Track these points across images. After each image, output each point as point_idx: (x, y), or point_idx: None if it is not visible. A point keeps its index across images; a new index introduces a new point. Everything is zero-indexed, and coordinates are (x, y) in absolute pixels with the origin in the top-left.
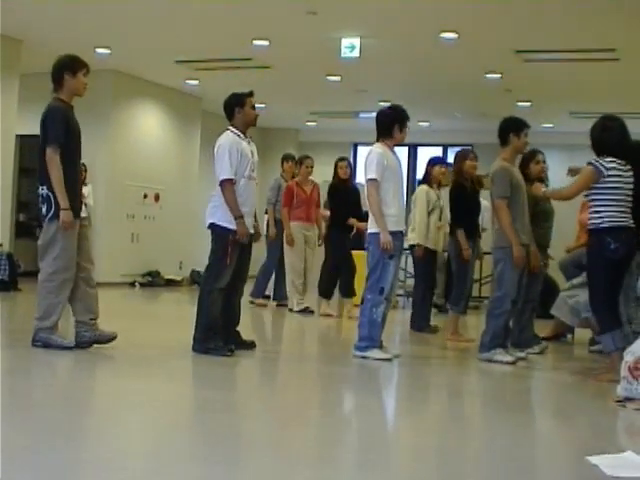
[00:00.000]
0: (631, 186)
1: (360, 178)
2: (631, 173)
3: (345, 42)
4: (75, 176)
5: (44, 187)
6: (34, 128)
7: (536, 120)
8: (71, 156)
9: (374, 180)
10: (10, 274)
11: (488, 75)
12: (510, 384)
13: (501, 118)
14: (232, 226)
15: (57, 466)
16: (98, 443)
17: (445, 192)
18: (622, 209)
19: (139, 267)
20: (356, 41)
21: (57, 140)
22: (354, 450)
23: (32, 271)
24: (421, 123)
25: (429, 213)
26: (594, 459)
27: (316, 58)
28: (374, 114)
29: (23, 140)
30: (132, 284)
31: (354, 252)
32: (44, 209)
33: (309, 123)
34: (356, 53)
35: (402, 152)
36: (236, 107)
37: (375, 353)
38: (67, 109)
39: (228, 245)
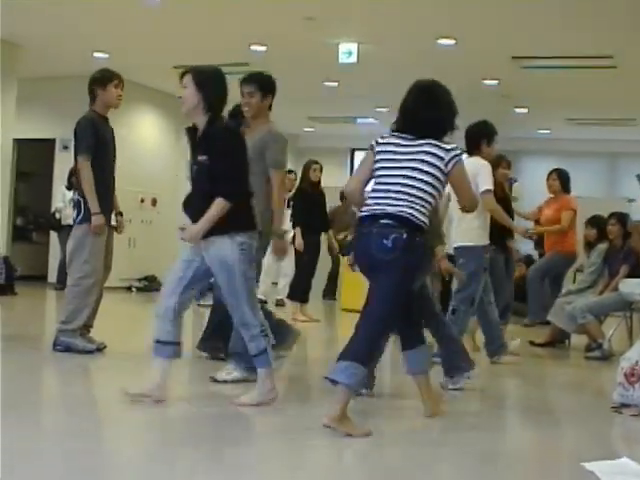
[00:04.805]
0: None
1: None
2: None
3: (343, 48)
4: (105, 184)
5: (75, 193)
6: (32, 132)
7: (532, 126)
8: (101, 165)
9: (491, 191)
10: (7, 278)
11: (485, 81)
12: (504, 389)
13: (498, 124)
14: None
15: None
16: (91, 448)
17: None
18: None
19: (136, 272)
20: (354, 47)
21: (87, 149)
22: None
23: (29, 275)
24: None
25: None
26: (590, 465)
27: (314, 64)
28: (371, 120)
29: (21, 144)
30: (129, 288)
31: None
32: (74, 215)
33: (307, 129)
34: (354, 59)
35: None
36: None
37: None
38: (97, 120)
39: None
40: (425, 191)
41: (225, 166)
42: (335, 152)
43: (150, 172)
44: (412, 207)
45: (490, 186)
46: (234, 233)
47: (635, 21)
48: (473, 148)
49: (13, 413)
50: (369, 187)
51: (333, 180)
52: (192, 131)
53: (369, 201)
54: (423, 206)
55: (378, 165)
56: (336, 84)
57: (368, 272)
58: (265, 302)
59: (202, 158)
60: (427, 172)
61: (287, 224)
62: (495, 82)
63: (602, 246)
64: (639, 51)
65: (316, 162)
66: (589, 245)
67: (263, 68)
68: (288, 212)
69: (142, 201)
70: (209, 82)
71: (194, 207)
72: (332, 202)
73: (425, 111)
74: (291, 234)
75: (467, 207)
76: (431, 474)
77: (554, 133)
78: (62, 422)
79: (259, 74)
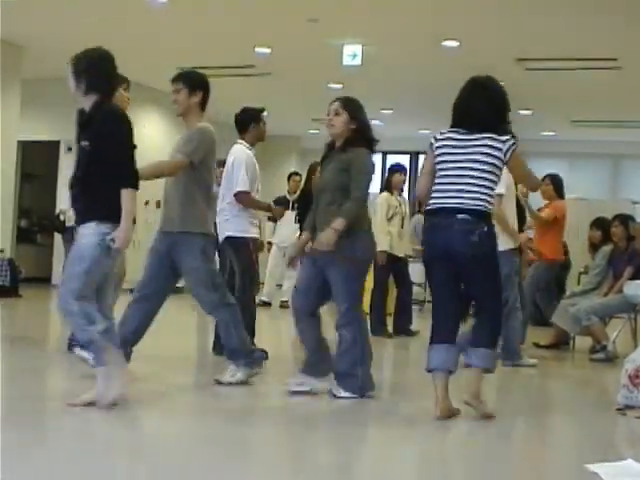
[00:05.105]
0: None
1: None
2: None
3: (347, 50)
4: None
5: None
6: (37, 134)
7: (537, 128)
8: None
9: (501, 195)
10: (11, 280)
11: None
12: (508, 390)
13: None
14: (249, 235)
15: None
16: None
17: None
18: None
19: (140, 273)
20: (358, 49)
21: None
22: None
23: (33, 277)
24: (422, 131)
25: (390, 219)
26: (594, 467)
27: (318, 65)
28: (376, 122)
29: (25, 146)
30: (132, 291)
31: None
32: None
33: (311, 130)
34: (358, 61)
35: (403, 160)
36: (252, 122)
37: None
38: None
39: (252, 253)
40: (490, 180)
41: (115, 151)
42: None
43: None
44: (483, 199)
45: (502, 190)
46: (99, 221)
47: (639, 23)
48: None
49: (14, 414)
50: None
51: None
52: (81, 114)
53: (437, 194)
54: (490, 195)
55: (440, 159)
56: (340, 86)
57: (443, 263)
58: (269, 304)
59: (84, 143)
60: (490, 163)
61: (292, 225)
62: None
63: (606, 248)
64: None
65: (319, 163)
66: (593, 247)
67: (267, 70)
68: (293, 213)
69: (147, 203)
70: (87, 66)
71: (72, 192)
72: None
73: (480, 106)
74: (296, 235)
75: (532, 188)
76: (431, 473)
77: (558, 135)
78: (63, 423)
79: (188, 71)
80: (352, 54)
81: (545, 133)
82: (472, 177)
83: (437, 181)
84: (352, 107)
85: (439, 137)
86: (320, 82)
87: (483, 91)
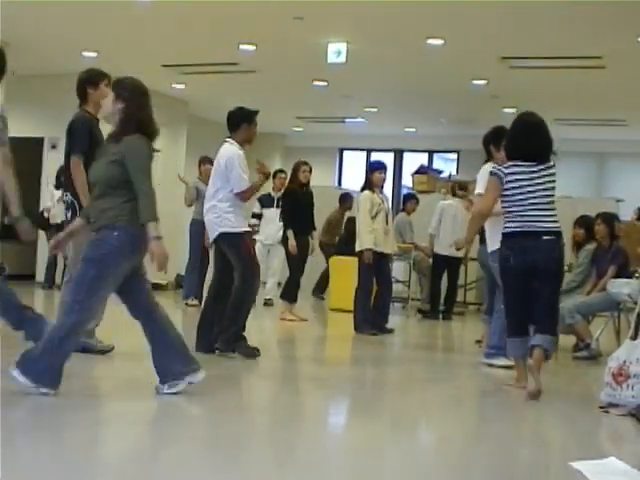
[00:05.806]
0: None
1: (345, 184)
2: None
3: (332, 47)
4: None
5: (67, 193)
6: (20, 131)
7: None
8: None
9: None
10: None
11: (474, 81)
12: (492, 388)
13: (487, 124)
14: (244, 229)
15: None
16: (92, 446)
17: None
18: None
19: None
20: (342, 46)
21: (81, 149)
22: None
23: (17, 274)
24: (407, 129)
25: (374, 217)
26: (577, 465)
27: (302, 63)
28: (360, 119)
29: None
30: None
31: (341, 258)
32: (69, 215)
33: (295, 128)
34: (342, 58)
35: (388, 158)
36: (244, 123)
37: (501, 361)
38: (92, 120)
39: (250, 247)
40: (554, 202)
41: None
42: (323, 152)
43: None
44: (556, 220)
45: (481, 190)
46: None
47: (624, 21)
48: (487, 154)
49: (13, 412)
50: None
51: (321, 180)
52: None
53: (519, 219)
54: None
55: (513, 191)
56: (325, 84)
57: (527, 277)
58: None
59: None
60: (553, 188)
61: (277, 223)
62: (484, 82)
63: (590, 247)
64: (628, 51)
65: (306, 163)
66: (577, 245)
67: (252, 67)
68: (277, 211)
69: None
70: None
71: None
72: (320, 202)
73: (539, 143)
74: (280, 233)
75: None
76: (413, 470)
77: None
78: (61, 422)
79: None
80: (337, 52)
81: None
82: (547, 203)
83: (514, 209)
84: (120, 87)
85: (507, 171)
86: (305, 80)
87: (538, 132)
